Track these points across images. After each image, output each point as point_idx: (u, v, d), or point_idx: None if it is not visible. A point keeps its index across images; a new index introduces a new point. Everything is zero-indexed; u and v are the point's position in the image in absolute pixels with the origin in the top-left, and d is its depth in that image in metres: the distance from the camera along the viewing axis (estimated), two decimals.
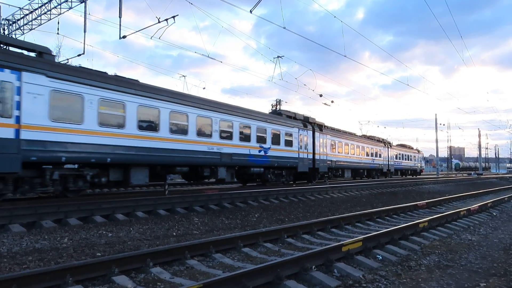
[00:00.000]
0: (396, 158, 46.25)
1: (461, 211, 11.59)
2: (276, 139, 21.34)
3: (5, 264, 5.59)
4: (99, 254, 6.34)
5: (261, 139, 20.03)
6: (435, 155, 65.44)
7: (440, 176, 55.69)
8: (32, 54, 11.93)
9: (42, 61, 11.52)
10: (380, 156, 39.70)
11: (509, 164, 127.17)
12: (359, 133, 42.58)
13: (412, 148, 57.58)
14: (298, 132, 23.77)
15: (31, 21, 23.75)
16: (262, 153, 20.08)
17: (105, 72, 13.59)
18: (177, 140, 15.16)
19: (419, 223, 8.95)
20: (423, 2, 53.74)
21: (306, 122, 25.51)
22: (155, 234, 8.32)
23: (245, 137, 18.92)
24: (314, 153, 25.44)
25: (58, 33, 23.20)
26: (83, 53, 21.07)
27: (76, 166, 12.50)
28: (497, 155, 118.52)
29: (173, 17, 17.38)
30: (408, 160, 51.79)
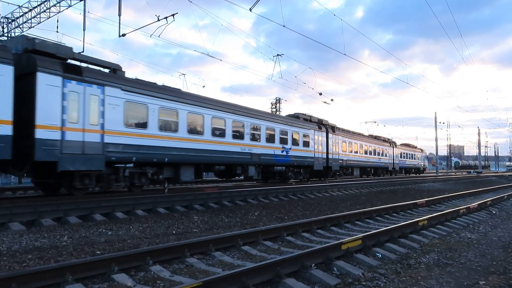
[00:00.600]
0: (401, 157, 48.02)
1: (460, 209, 11.60)
2: (295, 140, 23.55)
3: (5, 262, 5.59)
4: (99, 252, 6.35)
5: (283, 141, 22.20)
6: (434, 153, 65.57)
7: (439, 174, 56.03)
8: (106, 70, 13.82)
9: (118, 77, 13.68)
10: (386, 155, 41.53)
11: (509, 163, 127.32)
12: (366, 133, 43.70)
13: (416, 147, 58.96)
14: (314, 133, 25.87)
15: (31, 19, 23.74)
16: (284, 153, 22.23)
17: (155, 83, 15.52)
18: (217, 142, 17.33)
19: (419, 221, 8.96)
20: (422, 0, 53.69)
21: (321, 124, 27.57)
22: (154, 232, 8.33)
23: (270, 139, 21.15)
24: (327, 153, 27.52)
25: (57, 31, 23.18)
26: (83, 51, 20.99)
27: (132, 165, 14.00)
28: (496, 153, 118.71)
29: (173, 15, 17.35)
30: (412, 159, 53.51)
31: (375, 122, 60.98)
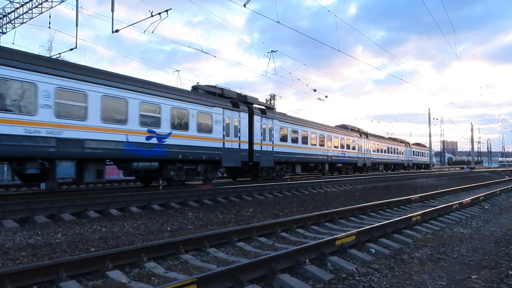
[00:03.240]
0: (414, 154, 57.26)
1: (453, 204, 11.69)
2: (348, 145, 33.45)
3: None
4: (93, 249, 6.33)
5: (342, 146, 32.11)
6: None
7: (433, 170, 57.07)
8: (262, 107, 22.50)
9: (275, 112, 23.97)
10: (402, 153, 51.04)
11: (501, 158, 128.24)
12: (386, 136, 52.75)
13: (425, 146, 67.43)
14: (358, 139, 35.77)
15: (22, 14, 23.44)
16: (343, 155, 32.17)
17: (290, 116, 25.68)
18: (314, 149, 27.19)
19: (412, 216, 9.02)
20: None
21: (360, 132, 37.26)
22: (149, 229, 8.32)
23: (336, 145, 31.01)
24: (364, 154, 36.86)
25: (49, 27, 22.98)
26: (75, 47, 20.85)
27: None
28: (489, 149, 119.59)
29: (166, 11, 17.20)
30: (422, 156, 63.24)
31: (393, 126, 67.55)
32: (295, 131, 24.59)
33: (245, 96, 21.00)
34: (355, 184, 21.47)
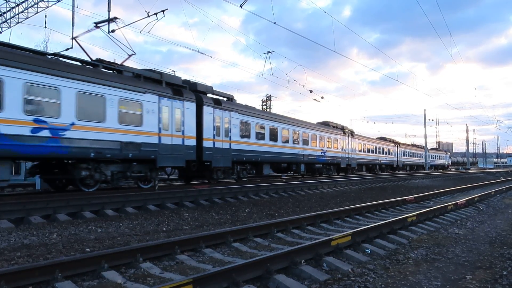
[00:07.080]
0: (431, 158, 68.17)
1: (448, 205, 11.75)
2: (390, 151, 47.00)
3: None
4: (89, 250, 6.32)
5: (385, 153, 45.40)
6: None
7: (428, 171, 57.69)
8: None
9: (356, 133, 36.25)
10: (422, 156, 62.65)
11: (496, 159, 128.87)
12: (409, 143, 66.92)
13: (442, 151, 79.13)
14: (392, 148, 48.32)
15: (18, 14, 23.35)
16: (386, 159, 45.43)
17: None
18: (373, 155, 40.63)
19: (408, 217, 9.06)
20: (408, 0, 54.15)
21: (395, 142, 50.66)
22: (145, 229, 8.30)
23: (383, 153, 44.28)
24: (397, 158, 50.29)
25: (45, 27, 22.86)
26: (71, 47, 20.76)
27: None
28: (484, 150, 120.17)
29: (163, 11, 17.15)
30: (439, 159, 76.32)
31: (414, 136, 75.97)
32: (364, 144, 38.42)
33: (342, 125, 34.05)
34: (350, 185, 21.50)
